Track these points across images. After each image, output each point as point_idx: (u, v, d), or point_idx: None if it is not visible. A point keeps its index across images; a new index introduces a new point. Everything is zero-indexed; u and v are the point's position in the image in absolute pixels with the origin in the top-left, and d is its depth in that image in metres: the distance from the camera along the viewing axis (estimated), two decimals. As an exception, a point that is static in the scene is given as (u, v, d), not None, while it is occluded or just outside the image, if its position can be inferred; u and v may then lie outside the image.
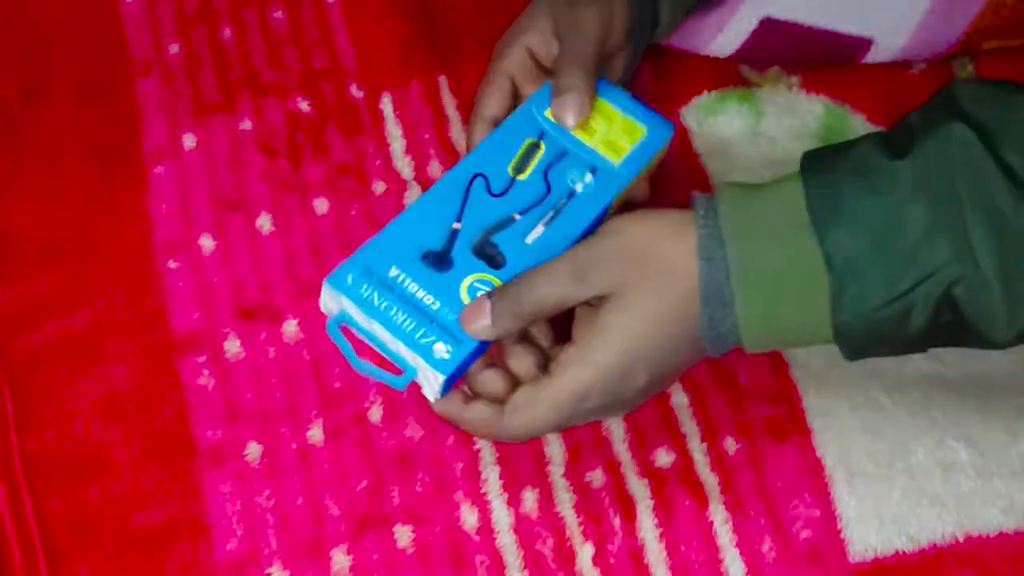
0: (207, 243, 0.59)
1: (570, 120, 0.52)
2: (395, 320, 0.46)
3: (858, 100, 0.63)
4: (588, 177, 0.51)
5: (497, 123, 0.54)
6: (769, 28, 0.61)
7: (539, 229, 0.50)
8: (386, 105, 0.63)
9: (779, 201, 0.43)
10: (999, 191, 0.40)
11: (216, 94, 0.63)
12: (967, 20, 0.60)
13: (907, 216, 0.41)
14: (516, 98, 0.55)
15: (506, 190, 0.51)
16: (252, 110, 0.63)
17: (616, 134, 0.53)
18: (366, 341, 0.48)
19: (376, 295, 0.47)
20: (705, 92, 0.64)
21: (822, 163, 0.43)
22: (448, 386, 0.47)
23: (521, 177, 0.51)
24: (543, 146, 0.52)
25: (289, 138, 0.62)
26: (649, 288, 0.44)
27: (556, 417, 0.45)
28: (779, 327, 0.44)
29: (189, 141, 0.62)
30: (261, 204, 0.60)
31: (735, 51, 0.63)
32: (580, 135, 0.52)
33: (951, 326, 0.42)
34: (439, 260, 0.48)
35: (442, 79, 0.64)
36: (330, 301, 0.48)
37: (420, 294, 0.47)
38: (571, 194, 0.51)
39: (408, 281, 0.47)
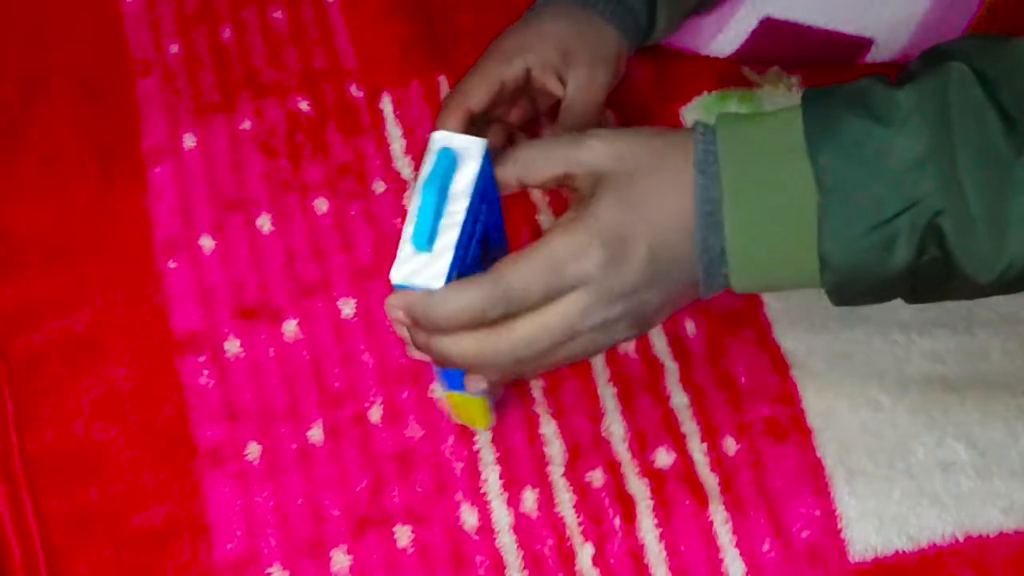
0: (207, 243, 0.59)
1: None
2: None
3: (858, 100, 0.63)
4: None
5: (473, 115, 0.52)
6: (769, 28, 0.61)
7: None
8: (386, 105, 0.63)
9: (776, 124, 0.43)
10: (993, 130, 0.40)
11: (216, 94, 0.63)
12: (967, 20, 0.60)
13: (899, 143, 0.40)
14: (497, 101, 0.54)
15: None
16: (252, 110, 0.63)
17: None
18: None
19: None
20: (705, 92, 0.64)
21: (822, 93, 0.43)
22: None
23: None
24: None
25: (289, 138, 0.62)
26: (650, 171, 0.43)
27: (551, 272, 0.42)
28: (767, 253, 0.42)
29: (189, 141, 0.62)
30: (261, 204, 0.60)
31: (735, 51, 0.63)
32: None
33: (935, 264, 0.41)
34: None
35: (442, 79, 0.64)
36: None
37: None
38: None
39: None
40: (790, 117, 0.43)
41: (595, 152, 0.44)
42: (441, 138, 0.44)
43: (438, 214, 0.43)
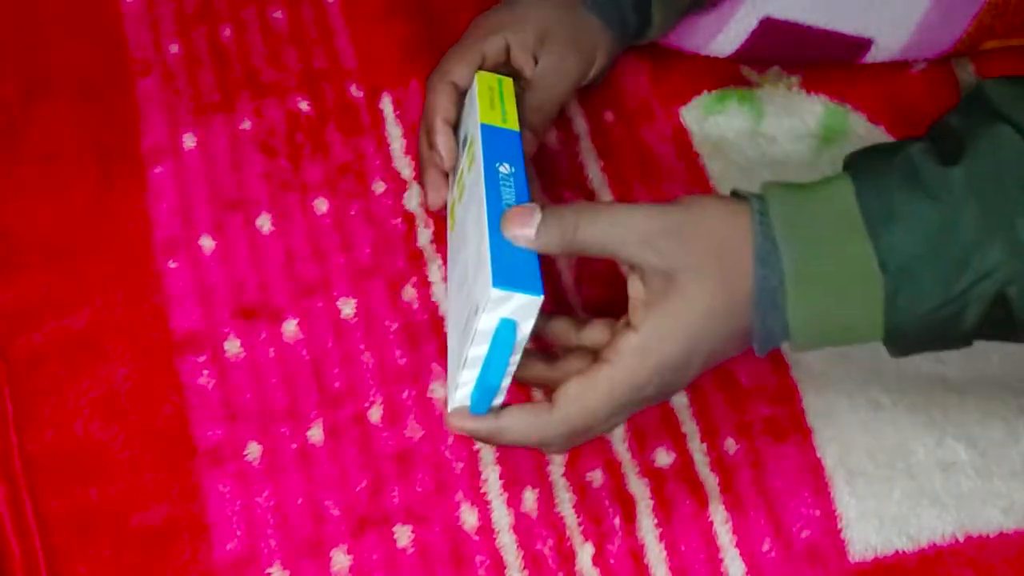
0: (207, 243, 0.59)
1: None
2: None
3: (858, 100, 0.63)
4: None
5: (458, 88, 0.54)
6: (769, 28, 0.61)
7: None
8: (386, 105, 0.63)
9: (830, 204, 0.44)
10: None
11: (216, 94, 0.63)
12: (967, 20, 0.60)
13: (960, 220, 0.42)
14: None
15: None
16: (252, 110, 0.63)
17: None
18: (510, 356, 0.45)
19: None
20: (705, 92, 0.64)
21: (870, 166, 0.44)
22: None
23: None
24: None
25: (289, 138, 0.62)
26: (716, 280, 0.44)
27: (610, 405, 0.45)
28: (828, 329, 0.44)
29: (189, 141, 0.62)
30: (261, 204, 0.60)
31: (735, 51, 0.63)
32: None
33: (1001, 323, 0.43)
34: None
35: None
36: (499, 304, 0.44)
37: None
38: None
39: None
40: (842, 193, 0.43)
41: (671, 256, 0.44)
42: (497, 298, 0.43)
43: (497, 386, 0.46)
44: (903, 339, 0.44)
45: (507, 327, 0.44)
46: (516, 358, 0.45)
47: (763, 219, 0.44)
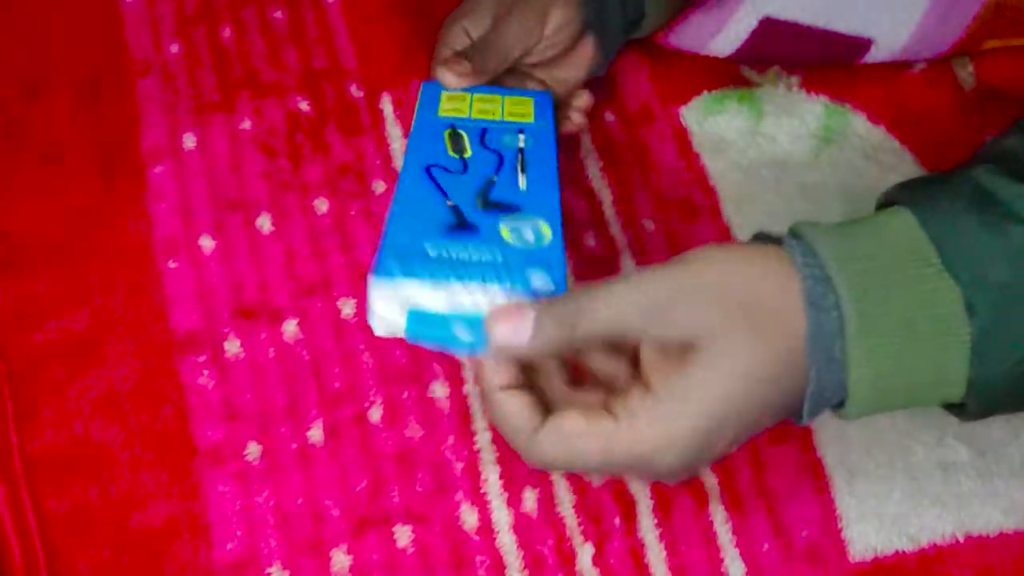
0: (207, 243, 0.59)
1: (447, 77, 0.54)
2: (474, 274, 0.41)
3: (858, 100, 0.63)
4: (521, 137, 0.53)
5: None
6: (769, 28, 0.61)
7: (522, 176, 0.50)
8: (386, 105, 0.63)
9: (891, 235, 0.37)
10: None
11: (216, 94, 0.63)
12: (967, 20, 0.60)
13: None
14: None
15: (465, 167, 0.51)
16: (252, 110, 0.63)
17: (512, 105, 0.56)
18: (440, 343, 0.41)
19: (435, 266, 0.42)
20: (705, 92, 0.64)
21: (923, 195, 0.38)
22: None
23: (467, 156, 0.52)
24: (463, 133, 0.54)
25: (289, 138, 0.62)
26: (748, 341, 0.37)
27: (600, 463, 0.39)
28: (895, 385, 0.37)
29: (189, 141, 0.62)
30: (261, 204, 0.60)
31: (735, 51, 0.63)
32: (484, 114, 0.55)
33: None
34: (463, 226, 0.46)
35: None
36: (388, 303, 0.41)
37: (470, 254, 0.43)
38: (520, 151, 0.53)
39: (450, 249, 0.43)
40: (904, 225, 0.37)
41: (692, 324, 0.37)
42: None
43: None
44: (987, 396, 0.37)
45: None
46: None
47: (806, 256, 0.37)
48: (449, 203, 0.48)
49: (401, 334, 0.41)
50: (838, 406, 0.39)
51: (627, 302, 0.38)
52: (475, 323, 0.40)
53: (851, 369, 0.37)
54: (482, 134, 0.54)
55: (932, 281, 0.36)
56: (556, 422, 0.40)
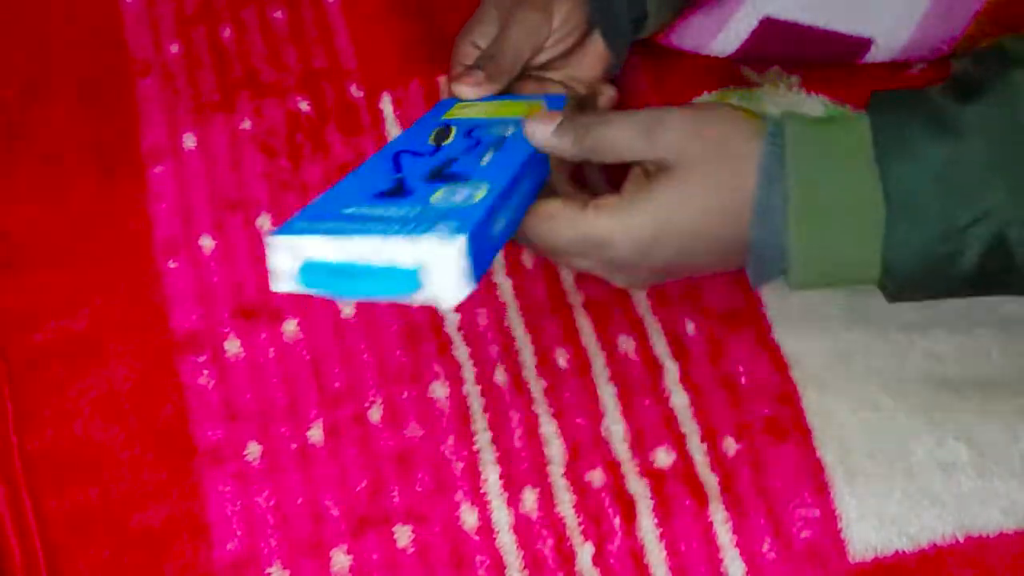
0: (207, 243, 0.59)
1: (462, 89, 0.54)
2: (378, 227, 0.39)
3: (858, 100, 0.63)
4: (510, 128, 0.50)
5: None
6: (769, 28, 0.61)
7: (489, 154, 0.48)
8: (386, 105, 0.63)
9: (844, 135, 0.44)
10: None
11: (216, 94, 0.63)
12: (967, 20, 0.60)
13: (969, 157, 0.42)
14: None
15: (436, 151, 0.49)
16: (252, 110, 0.63)
17: (520, 109, 0.53)
18: (338, 294, 0.40)
19: (338, 223, 0.40)
20: (705, 92, 0.64)
21: (890, 105, 0.44)
22: (476, 269, 0.39)
23: (446, 142, 0.50)
24: (453, 127, 0.52)
25: (289, 138, 0.62)
26: (710, 173, 0.44)
27: (570, 246, 0.46)
28: (827, 259, 0.44)
29: (189, 141, 0.62)
30: (261, 204, 0.60)
31: (735, 51, 0.63)
32: (491, 113, 0.53)
33: (998, 272, 0.43)
34: (397, 192, 0.43)
35: (442, 79, 0.64)
36: (283, 256, 0.39)
37: (386, 212, 0.41)
38: (502, 138, 0.49)
39: (368, 209, 0.41)
40: (858, 125, 0.44)
41: (668, 146, 0.45)
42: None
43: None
44: (899, 277, 0.44)
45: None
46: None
47: (774, 137, 0.44)
48: (397, 176, 0.46)
49: (297, 287, 0.39)
50: (784, 276, 0.45)
51: (634, 122, 0.46)
52: (369, 273, 0.38)
53: (790, 235, 0.43)
54: (472, 128, 0.52)
55: (863, 173, 0.43)
56: (541, 204, 0.47)
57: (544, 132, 0.47)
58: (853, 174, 0.43)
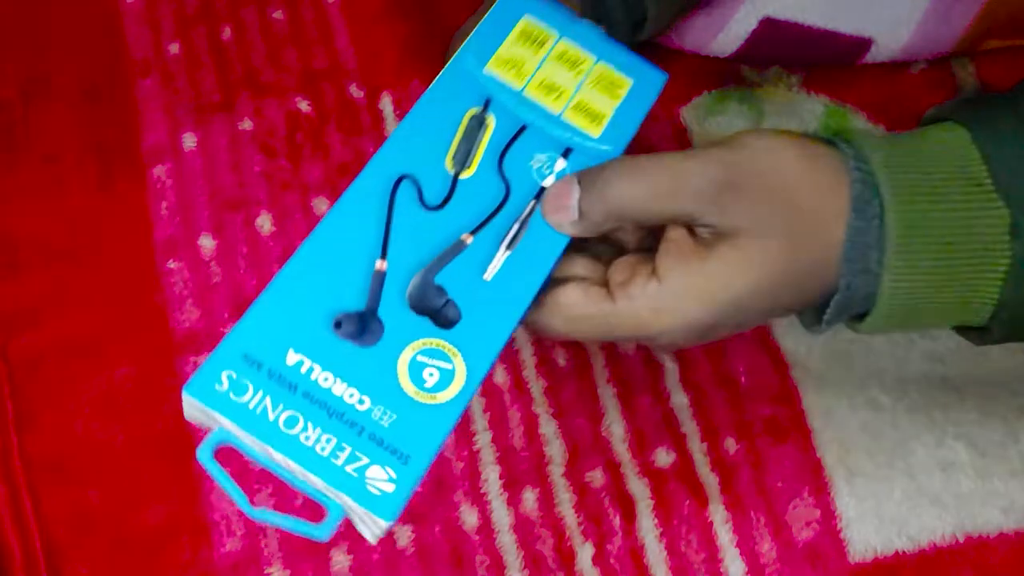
0: (207, 243, 0.59)
1: None
2: (303, 441, 0.33)
3: (858, 100, 0.63)
4: (560, 164, 0.40)
5: None
6: (769, 28, 0.61)
7: (501, 255, 0.38)
8: (386, 105, 0.63)
9: (945, 153, 0.36)
10: None
11: (216, 94, 0.63)
12: (967, 20, 0.60)
13: None
14: None
15: (447, 197, 0.38)
16: (252, 110, 0.63)
17: (592, 91, 0.42)
18: (259, 464, 0.35)
19: (270, 403, 0.33)
20: (705, 92, 0.64)
21: (983, 115, 0.37)
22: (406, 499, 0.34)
23: (466, 175, 0.39)
24: (491, 121, 0.40)
25: (289, 138, 0.62)
26: (782, 247, 0.36)
27: (601, 338, 0.39)
28: (922, 303, 0.37)
29: (189, 141, 0.62)
30: (261, 204, 0.60)
31: (735, 51, 0.63)
32: (542, 98, 0.41)
33: None
34: (361, 327, 0.35)
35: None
36: (197, 413, 0.35)
37: (338, 388, 0.34)
38: (540, 192, 0.39)
39: (316, 371, 0.34)
40: (958, 143, 0.37)
41: (742, 214, 0.36)
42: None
43: None
44: (1014, 320, 0.37)
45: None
46: None
47: (860, 163, 0.36)
48: (379, 264, 0.36)
49: (209, 440, 0.35)
50: (854, 318, 0.39)
51: (674, 176, 0.36)
52: (290, 475, 0.34)
53: (884, 283, 0.36)
54: (514, 136, 0.40)
55: (979, 201, 0.35)
56: (553, 297, 0.39)
57: (570, 225, 0.38)
58: (966, 203, 0.35)
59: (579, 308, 0.38)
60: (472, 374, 0.36)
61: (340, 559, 0.51)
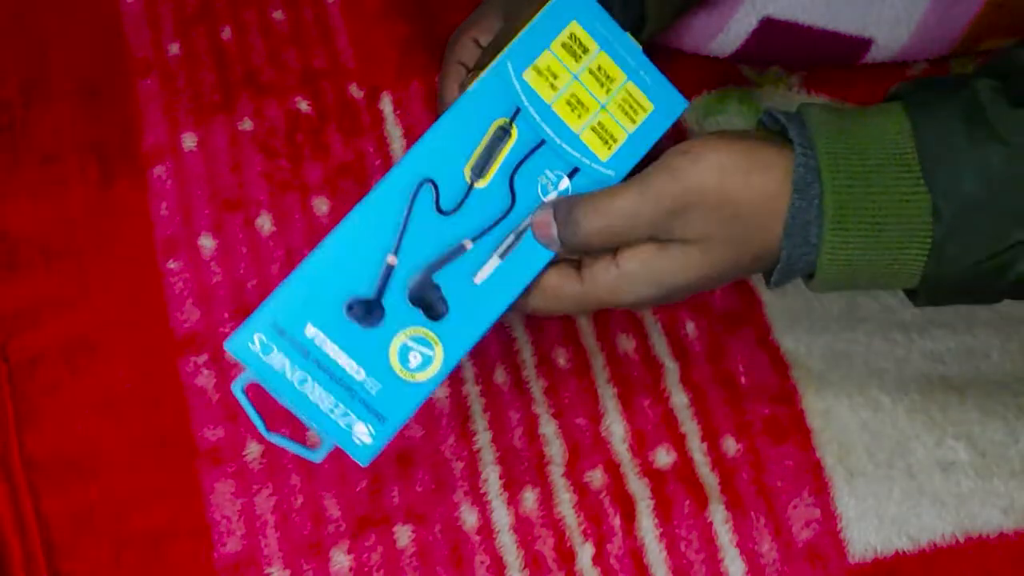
0: (207, 243, 0.59)
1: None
2: (310, 395, 0.42)
3: (858, 100, 0.63)
4: (564, 183, 0.44)
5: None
6: (769, 28, 0.61)
7: (492, 262, 0.44)
8: (386, 105, 0.63)
9: (883, 139, 0.40)
10: None
11: (216, 94, 0.63)
12: (967, 20, 0.60)
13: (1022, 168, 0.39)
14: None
15: (459, 204, 0.43)
16: (252, 110, 0.63)
17: (613, 112, 0.45)
18: (279, 401, 0.43)
19: (288, 364, 0.42)
20: (705, 92, 0.64)
21: (928, 101, 0.41)
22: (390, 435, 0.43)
23: (480, 184, 0.44)
24: (514, 133, 0.44)
25: (289, 138, 0.62)
26: (724, 249, 0.42)
27: (576, 311, 0.45)
28: (858, 273, 0.42)
29: (189, 141, 0.62)
30: (261, 204, 0.60)
31: (735, 51, 0.63)
32: (566, 115, 0.44)
33: None
34: (367, 312, 0.42)
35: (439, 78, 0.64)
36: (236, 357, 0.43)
37: (342, 360, 0.42)
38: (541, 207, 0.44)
39: (327, 344, 0.42)
40: (898, 129, 0.41)
41: (675, 237, 0.42)
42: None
43: None
44: (937, 291, 0.42)
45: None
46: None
47: (805, 149, 0.41)
48: (390, 259, 0.43)
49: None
50: (807, 278, 0.44)
51: (642, 219, 0.42)
52: (308, 421, 0.43)
53: (823, 254, 0.41)
54: (531, 150, 0.44)
55: (908, 185, 0.40)
56: (539, 280, 0.45)
57: (550, 241, 0.43)
58: (897, 187, 0.40)
59: (554, 289, 0.45)
60: (447, 362, 0.44)
61: (340, 559, 0.51)
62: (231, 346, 0.42)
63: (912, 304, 0.44)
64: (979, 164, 0.39)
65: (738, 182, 0.41)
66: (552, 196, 0.44)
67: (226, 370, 0.55)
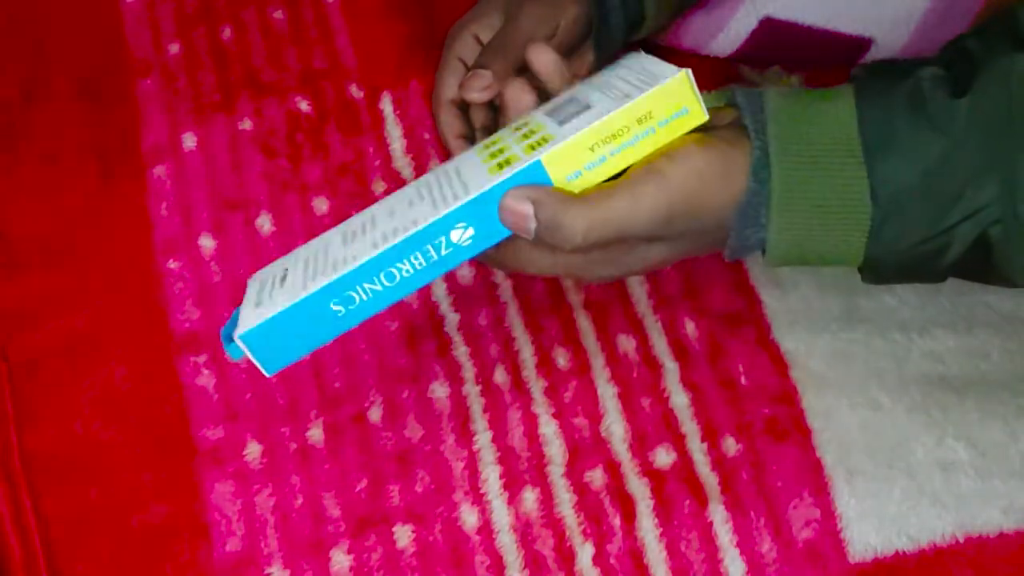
0: (207, 243, 0.59)
1: (471, 94, 0.52)
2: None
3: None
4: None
5: (458, 103, 0.55)
6: (769, 28, 0.61)
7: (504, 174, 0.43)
8: (386, 105, 0.63)
9: (830, 126, 0.43)
10: None
11: (216, 94, 0.63)
12: (967, 19, 0.60)
13: (959, 154, 0.41)
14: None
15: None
16: (252, 110, 0.63)
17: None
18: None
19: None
20: (705, 92, 0.63)
21: (877, 88, 0.43)
22: (287, 352, 0.43)
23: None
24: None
25: (289, 138, 0.62)
26: (694, 237, 0.44)
27: (546, 272, 0.46)
28: (806, 252, 0.44)
29: (189, 141, 0.62)
30: (261, 204, 0.60)
31: (735, 51, 0.63)
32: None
33: (977, 263, 0.43)
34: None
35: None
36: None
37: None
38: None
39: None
40: (844, 118, 0.43)
41: (665, 232, 0.43)
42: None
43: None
44: (880, 269, 0.44)
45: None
46: None
47: (759, 137, 0.43)
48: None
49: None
50: (763, 253, 0.46)
51: (633, 225, 0.42)
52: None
53: (770, 232, 0.43)
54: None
55: (851, 169, 0.42)
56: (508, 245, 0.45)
57: (528, 235, 0.42)
58: (839, 172, 0.42)
59: (524, 251, 0.45)
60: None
61: (340, 559, 0.51)
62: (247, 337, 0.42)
63: (862, 280, 0.46)
64: (917, 152, 0.41)
65: (713, 185, 0.43)
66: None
67: (226, 370, 0.55)
